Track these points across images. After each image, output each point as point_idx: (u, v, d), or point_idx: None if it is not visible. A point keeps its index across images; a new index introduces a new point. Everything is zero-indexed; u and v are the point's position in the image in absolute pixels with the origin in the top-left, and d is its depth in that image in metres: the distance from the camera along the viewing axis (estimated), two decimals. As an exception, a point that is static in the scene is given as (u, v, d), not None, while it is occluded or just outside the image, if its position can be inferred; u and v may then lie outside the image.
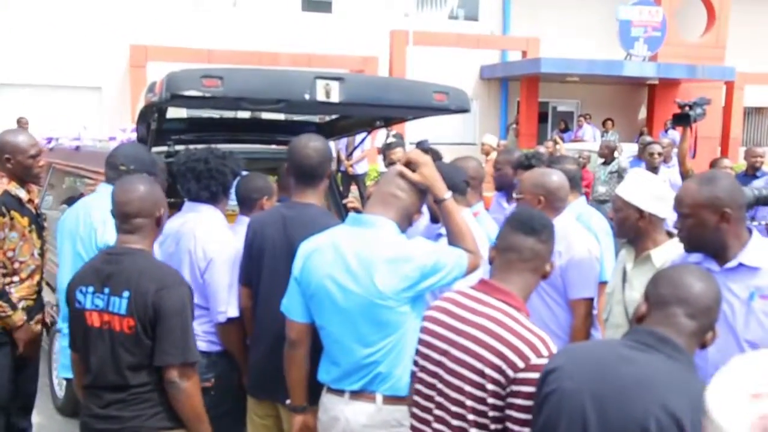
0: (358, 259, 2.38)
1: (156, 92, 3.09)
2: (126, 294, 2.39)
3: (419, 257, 2.35)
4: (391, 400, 2.38)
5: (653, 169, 7.16)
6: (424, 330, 2.14)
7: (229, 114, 4.97)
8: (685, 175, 6.05)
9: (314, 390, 2.58)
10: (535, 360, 1.88)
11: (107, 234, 3.06)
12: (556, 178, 3.29)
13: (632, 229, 2.85)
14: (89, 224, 3.17)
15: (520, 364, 1.88)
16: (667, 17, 16.28)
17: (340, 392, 2.45)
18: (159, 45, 13.77)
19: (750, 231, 2.45)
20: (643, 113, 18.45)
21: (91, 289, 2.46)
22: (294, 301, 2.54)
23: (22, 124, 11.15)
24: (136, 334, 2.38)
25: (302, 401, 2.62)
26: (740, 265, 2.39)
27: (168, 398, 2.42)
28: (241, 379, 3.12)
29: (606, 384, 1.71)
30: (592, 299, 3.17)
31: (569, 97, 18.25)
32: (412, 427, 2.14)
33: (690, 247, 2.49)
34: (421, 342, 2.14)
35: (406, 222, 2.51)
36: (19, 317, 3.45)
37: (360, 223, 2.48)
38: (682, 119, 5.84)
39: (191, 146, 3.57)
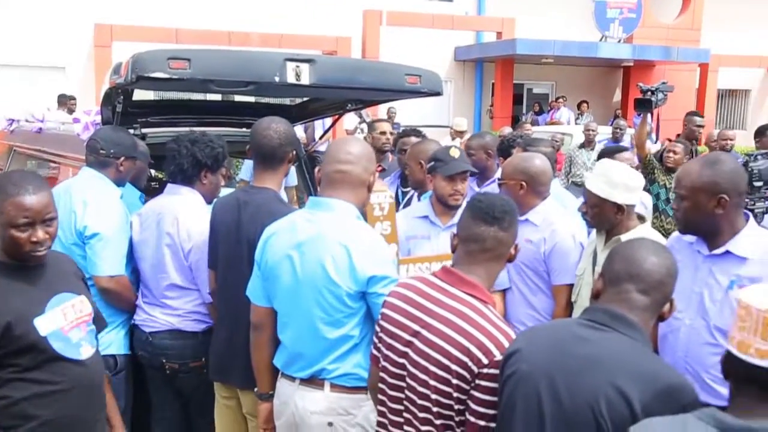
0: (311, 244, 2.37)
1: (121, 74, 3.05)
2: None
3: (370, 257, 2.33)
4: (339, 388, 2.37)
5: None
6: (385, 318, 2.11)
7: (199, 96, 4.88)
8: (642, 159, 6.06)
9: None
10: (498, 356, 1.89)
11: (87, 218, 3.05)
12: (538, 162, 3.29)
13: (610, 222, 2.87)
14: (69, 208, 3.11)
15: (485, 360, 1.89)
16: (642, -1, 16.36)
17: (291, 378, 2.46)
18: (125, 24, 13.46)
19: (747, 218, 2.44)
20: (617, 96, 18.55)
21: None
22: (256, 284, 2.56)
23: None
24: None
25: (267, 389, 2.60)
26: (727, 252, 2.39)
27: None
28: None
29: (560, 365, 1.74)
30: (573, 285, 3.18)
31: (544, 79, 18.28)
32: (383, 415, 2.13)
33: (684, 229, 2.49)
34: (383, 330, 2.11)
35: (363, 194, 2.50)
36: None
37: (318, 206, 2.46)
38: (644, 104, 5.85)
39: (163, 129, 3.53)
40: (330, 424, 2.37)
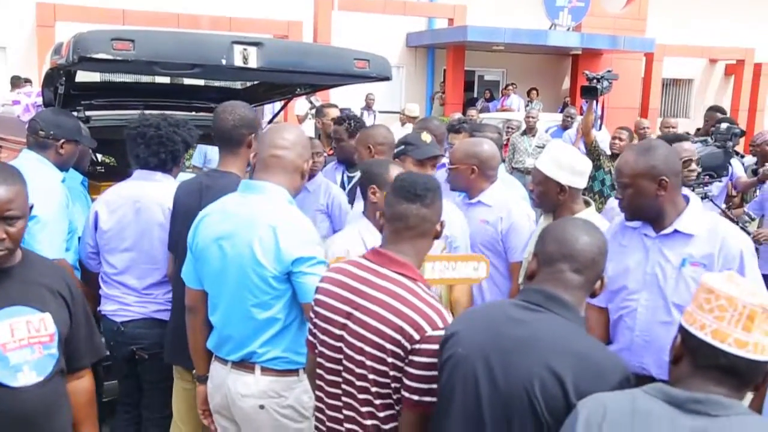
0: (240, 226, 2.38)
1: (63, 54, 3.00)
2: None
3: (296, 239, 2.35)
4: (270, 372, 2.40)
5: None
6: (318, 303, 2.12)
7: (147, 79, 4.80)
8: (588, 146, 6.20)
9: None
10: (430, 332, 1.92)
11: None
12: (487, 147, 3.37)
13: (553, 201, 2.93)
14: None
15: (417, 336, 1.91)
16: (590, -12, 16.61)
17: (224, 361, 2.48)
18: (68, 3, 13.04)
19: (687, 198, 2.54)
20: (566, 83, 18.84)
21: None
22: (189, 267, 2.57)
23: None
24: None
25: (203, 371, 2.62)
26: (675, 231, 2.49)
27: None
28: None
29: (495, 347, 1.76)
30: None
31: (495, 66, 18.44)
32: (320, 400, 2.15)
33: (631, 216, 2.56)
34: (317, 315, 2.12)
35: (296, 179, 2.51)
36: None
37: (250, 189, 2.47)
38: (590, 92, 5.99)
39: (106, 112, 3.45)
40: (261, 407, 2.40)
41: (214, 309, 2.50)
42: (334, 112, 5.26)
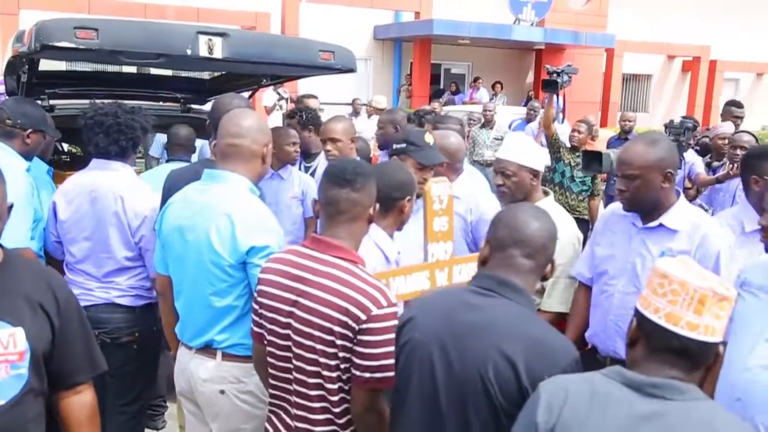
0: (200, 214, 2.42)
1: (25, 42, 2.98)
2: None
3: (252, 228, 2.37)
4: (231, 357, 2.43)
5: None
6: (262, 294, 2.14)
7: (114, 68, 4.77)
8: (549, 138, 6.31)
9: None
10: (375, 311, 1.95)
11: None
12: (454, 140, 3.43)
13: (527, 189, 2.98)
14: None
15: (363, 317, 1.94)
16: (553, -16, 16.82)
17: (188, 347, 2.52)
18: (33, -9, 12.82)
19: (678, 194, 2.61)
20: (530, 77, 19.06)
21: None
22: (157, 254, 2.62)
23: None
24: None
25: (176, 352, 2.66)
26: (660, 225, 2.56)
27: None
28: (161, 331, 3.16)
29: (450, 332, 1.79)
30: None
31: (461, 60, 18.57)
32: (274, 388, 2.17)
33: (630, 207, 2.60)
34: (262, 306, 2.14)
35: (256, 165, 2.53)
36: None
37: (212, 178, 2.50)
38: (551, 85, 6.09)
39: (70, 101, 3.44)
40: (222, 392, 2.43)
41: (177, 295, 2.55)
42: (314, 103, 5.28)
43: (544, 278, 1.95)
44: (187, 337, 2.51)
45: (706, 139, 6.44)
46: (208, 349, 2.45)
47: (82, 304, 3.05)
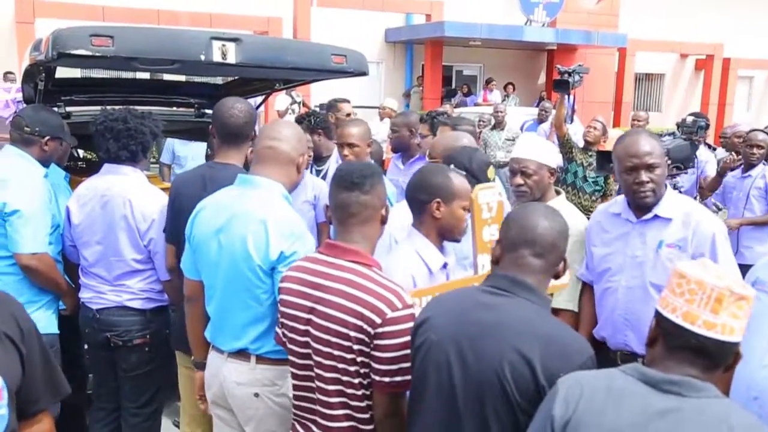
0: (235, 220, 2.43)
1: (42, 50, 3.01)
2: None
3: (285, 235, 2.38)
4: (265, 360, 2.44)
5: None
6: (282, 303, 2.17)
7: (127, 75, 4.82)
8: (561, 139, 6.30)
9: None
10: (391, 314, 1.96)
11: (7, 195, 3.01)
12: (467, 141, 3.44)
13: (545, 187, 3.02)
14: None
15: (378, 320, 1.96)
16: (564, -16, 16.77)
17: (221, 351, 2.52)
18: (47, 0, 12.93)
19: (665, 185, 2.68)
20: (542, 78, 19.00)
21: None
22: (187, 258, 2.62)
23: None
24: None
25: (201, 357, 2.67)
26: (656, 216, 2.63)
27: None
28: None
29: (465, 332, 1.81)
30: None
31: (473, 62, 18.54)
32: (297, 397, 2.19)
33: (656, 198, 2.62)
34: (283, 315, 2.17)
35: (292, 173, 2.55)
36: None
37: (246, 183, 2.52)
38: (562, 85, 6.08)
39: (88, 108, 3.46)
40: (256, 395, 2.43)
41: (210, 300, 2.55)
42: (347, 107, 5.29)
43: (557, 276, 1.95)
44: (220, 341, 2.51)
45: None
46: (242, 353, 2.46)
47: (95, 307, 3.16)
